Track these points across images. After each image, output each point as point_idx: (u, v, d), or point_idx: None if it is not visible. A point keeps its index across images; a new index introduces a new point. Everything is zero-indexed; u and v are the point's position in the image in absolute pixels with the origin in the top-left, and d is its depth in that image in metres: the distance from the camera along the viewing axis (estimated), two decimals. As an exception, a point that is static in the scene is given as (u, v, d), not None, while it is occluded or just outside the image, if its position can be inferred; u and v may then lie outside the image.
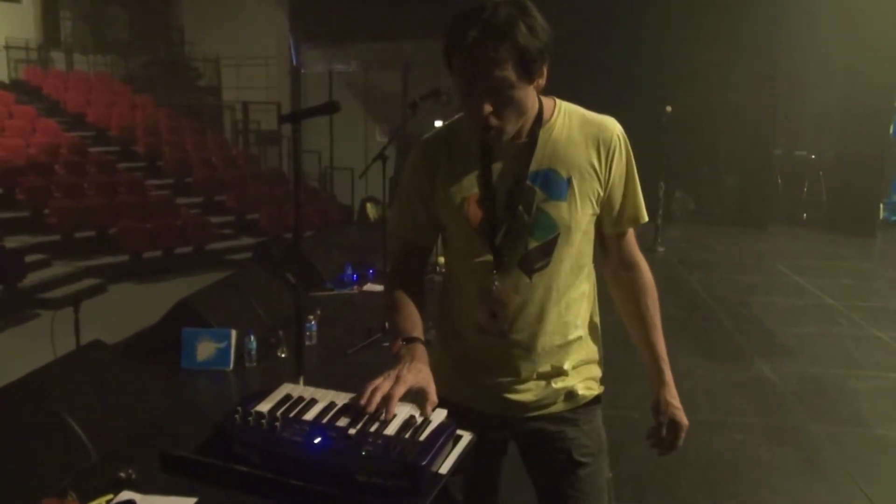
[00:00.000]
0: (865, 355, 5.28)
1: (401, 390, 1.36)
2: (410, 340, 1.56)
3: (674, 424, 1.76)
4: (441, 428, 1.29)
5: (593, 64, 10.23)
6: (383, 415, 1.32)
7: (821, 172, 11.61)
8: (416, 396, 1.38)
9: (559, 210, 1.63)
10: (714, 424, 4.04)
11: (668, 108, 8.46)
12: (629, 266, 1.80)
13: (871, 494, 3.34)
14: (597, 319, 1.81)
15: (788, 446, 3.83)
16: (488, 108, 1.52)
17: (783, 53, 10.98)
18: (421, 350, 1.53)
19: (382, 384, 1.37)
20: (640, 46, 10.23)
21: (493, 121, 1.54)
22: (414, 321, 1.63)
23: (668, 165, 8.64)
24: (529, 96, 1.57)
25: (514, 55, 1.47)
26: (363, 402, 1.33)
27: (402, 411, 1.35)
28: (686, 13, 10.21)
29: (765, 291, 7.23)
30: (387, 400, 1.33)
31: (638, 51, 10.22)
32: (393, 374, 1.40)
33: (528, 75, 1.52)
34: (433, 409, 1.36)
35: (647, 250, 8.26)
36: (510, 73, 1.49)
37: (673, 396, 1.77)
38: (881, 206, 11.06)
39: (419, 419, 1.32)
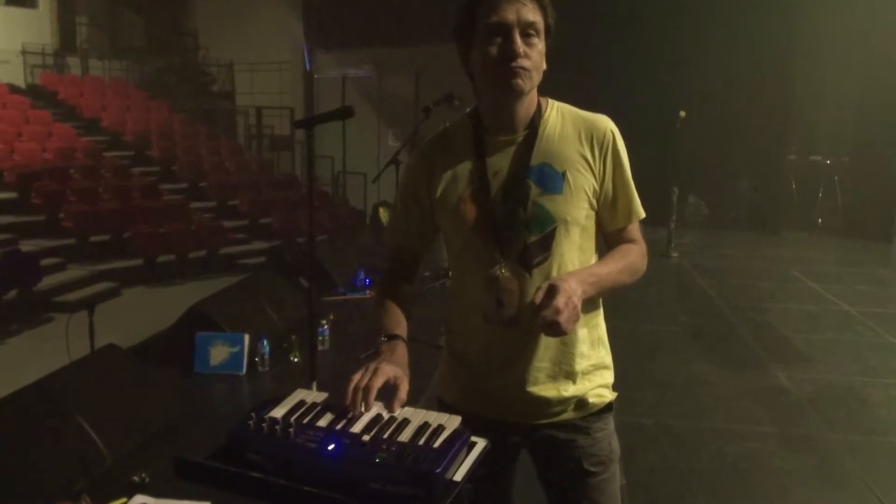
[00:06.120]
0: (882, 362, 5.22)
1: (379, 381, 1.41)
2: (392, 338, 1.60)
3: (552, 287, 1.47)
4: (455, 435, 1.29)
5: (606, 69, 10.24)
6: (362, 407, 1.36)
7: (836, 177, 11.51)
8: (386, 392, 1.42)
9: (555, 203, 1.63)
10: (728, 432, 4.02)
11: (682, 113, 8.43)
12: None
13: (888, 503, 3.31)
14: (603, 325, 1.79)
15: (804, 454, 3.79)
16: (522, 46, 1.55)
17: (797, 58, 10.93)
18: (401, 347, 1.58)
19: (360, 378, 1.41)
20: (654, 52, 10.21)
21: (525, 61, 1.55)
22: (397, 320, 1.67)
23: (681, 170, 8.60)
24: (543, 60, 1.61)
25: (540, 7, 1.56)
26: (345, 399, 1.38)
27: (416, 418, 1.35)
28: (699, 18, 10.19)
29: (779, 298, 7.18)
30: (366, 392, 1.38)
31: (651, 56, 10.21)
32: (371, 367, 1.45)
33: (546, 34, 1.59)
34: (401, 406, 1.40)
35: (661, 255, 8.25)
36: (539, 20, 1.56)
37: (572, 277, 1.52)
38: (897, 211, 10.95)
39: (433, 425, 1.32)
